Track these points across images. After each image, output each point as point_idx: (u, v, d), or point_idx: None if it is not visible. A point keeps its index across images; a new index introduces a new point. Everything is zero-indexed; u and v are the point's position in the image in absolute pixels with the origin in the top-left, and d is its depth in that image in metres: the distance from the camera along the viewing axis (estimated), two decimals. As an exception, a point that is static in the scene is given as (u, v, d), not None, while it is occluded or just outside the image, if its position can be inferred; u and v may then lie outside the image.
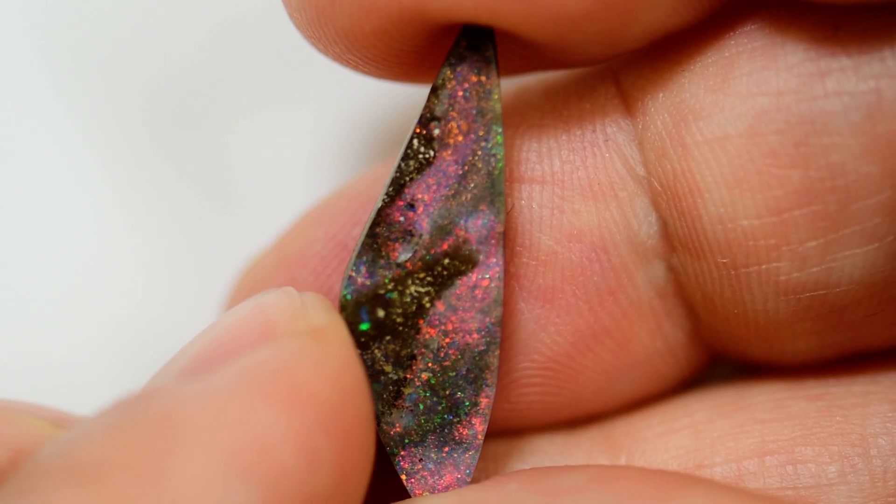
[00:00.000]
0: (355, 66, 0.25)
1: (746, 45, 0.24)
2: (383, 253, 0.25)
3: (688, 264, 0.26)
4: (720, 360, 0.28)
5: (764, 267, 0.25)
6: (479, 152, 0.25)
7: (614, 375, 0.27)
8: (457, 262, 0.25)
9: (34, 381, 0.32)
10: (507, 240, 0.26)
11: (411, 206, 0.25)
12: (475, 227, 0.25)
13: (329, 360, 0.22)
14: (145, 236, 0.34)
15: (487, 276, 0.25)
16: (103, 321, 0.33)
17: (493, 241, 0.25)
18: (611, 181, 0.26)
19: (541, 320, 0.26)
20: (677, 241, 0.26)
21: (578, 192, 0.26)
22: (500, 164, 0.24)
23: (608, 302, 0.26)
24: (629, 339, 0.27)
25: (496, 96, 0.24)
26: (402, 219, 0.25)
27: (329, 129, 0.34)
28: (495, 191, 0.25)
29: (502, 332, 0.26)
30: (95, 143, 0.34)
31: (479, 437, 0.25)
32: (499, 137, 0.24)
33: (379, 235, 0.25)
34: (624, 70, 0.26)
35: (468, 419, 0.25)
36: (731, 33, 0.25)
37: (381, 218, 0.25)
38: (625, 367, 0.27)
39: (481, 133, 0.25)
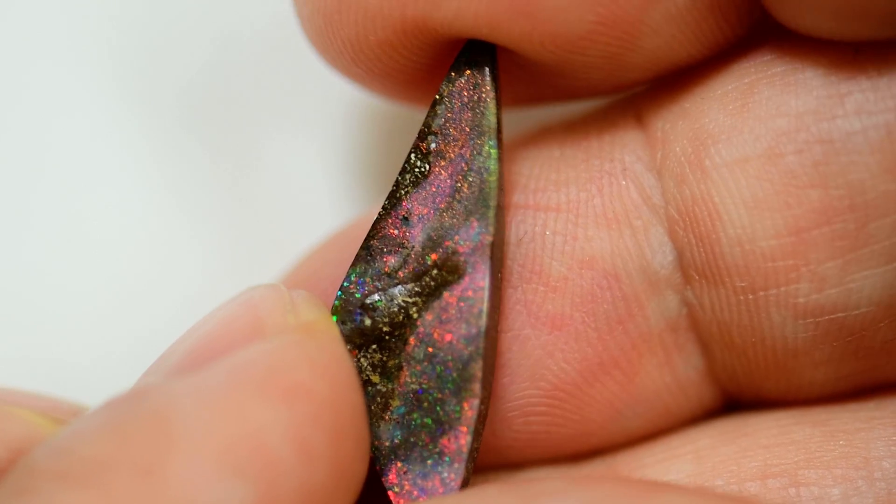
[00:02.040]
0: (362, 82, 0.26)
1: (766, 71, 0.25)
2: (375, 264, 0.25)
3: (704, 294, 0.26)
4: (733, 402, 0.28)
5: (783, 289, 0.25)
6: (473, 166, 0.25)
7: (622, 409, 0.27)
8: (444, 273, 0.25)
9: (68, 374, 0.32)
10: (516, 265, 0.26)
11: (406, 220, 0.25)
12: (464, 239, 0.25)
13: (320, 355, 0.22)
14: (181, 239, 0.34)
15: (473, 287, 0.25)
16: (131, 322, 0.33)
17: (480, 253, 0.25)
18: (626, 210, 0.26)
19: (548, 347, 0.26)
20: (694, 269, 0.26)
21: (592, 220, 0.26)
22: (492, 178, 0.25)
23: (617, 331, 0.26)
24: (637, 371, 0.27)
25: (493, 111, 0.25)
26: (396, 232, 0.25)
27: (360, 150, 0.35)
28: (486, 203, 0.25)
29: (508, 358, 0.26)
30: (133, 157, 0.34)
31: (464, 449, 0.25)
32: (493, 152, 0.25)
33: (373, 248, 0.25)
34: (644, 104, 0.27)
35: (453, 431, 0.25)
36: (751, 61, 0.25)
37: (376, 231, 0.25)
38: (633, 401, 0.27)
39: (475, 147, 0.25)
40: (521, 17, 0.24)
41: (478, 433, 0.25)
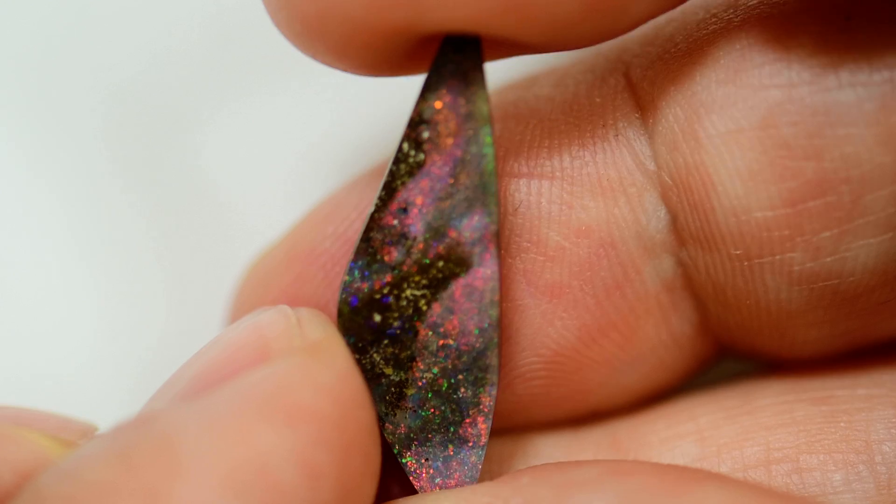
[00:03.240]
0: (344, 70, 0.25)
1: (758, 37, 0.24)
2: (378, 257, 0.25)
3: (698, 257, 0.26)
4: (727, 352, 0.28)
5: (778, 258, 0.25)
6: (469, 154, 0.25)
7: (619, 367, 0.27)
8: (451, 265, 0.25)
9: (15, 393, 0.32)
10: (514, 236, 0.26)
11: (404, 210, 0.25)
12: (468, 228, 0.25)
13: (326, 375, 0.22)
14: (117, 249, 0.33)
15: (482, 276, 0.25)
16: (82, 333, 0.33)
17: (486, 242, 0.25)
18: (620, 177, 0.26)
19: (547, 315, 0.26)
20: (688, 234, 0.26)
21: (587, 188, 0.26)
22: (491, 165, 0.25)
23: (615, 296, 0.26)
24: (635, 332, 0.27)
25: (483, 98, 0.25)
26: (395, 223, 0.25)
27: (308, 127, 0.34)
28: (487, 191, 0.25)
29: (508, 327, 0.26)
30: (61, 151, 0.33)
31: (484, 435, 0.25)
32: (488, 138, 0.25)
33: (373, 240, 0.25)
34: (634, 63, 0.26)
35: (472, 418, 0.25)
36: (742, 27, 0.25)
37: (374, 223, 0.25)
38: (630, 359, 0.27)
39: (470, 135, 0.25)
40: (510, 15, 0.23)
41: (493, 416, 0.25)
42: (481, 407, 0.25)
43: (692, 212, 0.25)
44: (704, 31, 0.25)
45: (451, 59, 0.24)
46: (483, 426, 0.25)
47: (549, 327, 0.26)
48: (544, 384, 0.27)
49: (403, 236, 0.25)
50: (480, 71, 0.25)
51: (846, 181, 0.24)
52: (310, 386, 0.22)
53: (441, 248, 0.25)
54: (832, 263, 0.25)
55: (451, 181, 0.25)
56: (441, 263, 0.25)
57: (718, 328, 0.28)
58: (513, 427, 0.28)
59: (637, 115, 0.26)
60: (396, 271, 0.25)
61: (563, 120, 0.26)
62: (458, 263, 0.25)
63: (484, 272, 0.25)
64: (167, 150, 0.33)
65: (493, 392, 0.25)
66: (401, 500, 0.25)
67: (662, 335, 0.27)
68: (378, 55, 0.24)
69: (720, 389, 0.28)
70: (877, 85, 0.23)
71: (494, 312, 0.25)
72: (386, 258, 0.25)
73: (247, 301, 0.29)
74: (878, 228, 0.24)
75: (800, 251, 0.25)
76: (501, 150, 0.26)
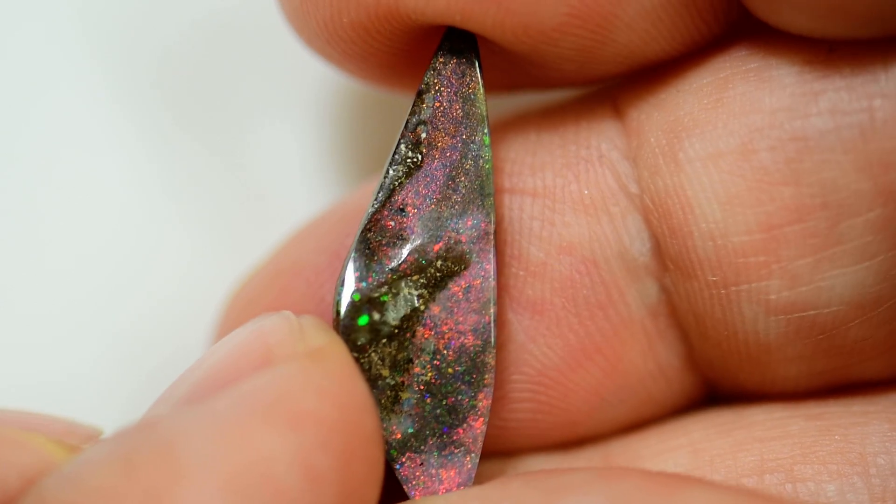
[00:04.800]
0: (339, 64, 0.26)
1: (741, 66, 0.25)
2: (376, 258, 0.25)
3: (679, 284, 0.26)
4: (714, 391, 0.28)
5: (754, 285, 0.25)
6: (467, 154, 0.25)
7: (606, 397, 0.27)
8: (449, 264, 0.25)
9: (46, 387, 0.33)
10: (497, 243, 0.26)
11: (402, 211, 0.25)
12: (466, 228, 0.25)
13: (329, 380, 0.22)
14: (160, 235, 0.34)
15: (480, 276, 0.25)
16: (111, 324, 0.33)
17: (484, 241, 0.25)
18: (603, 196, 0.26)
19: (530, 331, 0.26)
20: (669, 259, 0.26)
21: (570, 206, 0.26)
22: (488, 166, 0.25)
23: (598, 317, 0.26)
24: (620, 358, 0.27)
25: (481, 98, 0.25)
26: (392, 223, 0.25)
27: (345, 138, 0.34)
28: (484, 192, 0.25)
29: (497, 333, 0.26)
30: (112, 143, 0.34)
31: (480, 439, 0.25)
32: (485, 139, 0.25)
33: (371, 241, 0.25)
34: (621, 93, 0.26)
35: (467, 421, 0.25)
36: (727, 55, 0.25)
37: (372, 223, 0.25)
38: (617, 388, 0.27)
39: (467, 135, 0.25)
40: (493, 6, 0.23)
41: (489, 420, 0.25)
42: (477, 410, 0.25)
43: (671, 236, 0.25)
44: (689, 61, 0.25)
45: (448, 60, 0.25)
46: (479, 430, 0.25)
47: (531, 344, 0.26)
48: (530, 408, 0.27)
49: (401, 237, 0.25)
50: (477, 72, 0.25)
51: (823, 207, 0.24)
52: (312, 390, 0.22)
53: (438, 248, 0.25)
54: (808, 293, 0.24)
55: (449, 181, 0.25)
56: (439, 263, 0.25)
57: (702, 364, 0.27)
58: (501, 452, 0.28)
59: (622, 139, 0.26)
60: (394, 272, 0.25)
61: (548, 140, 0.26)
62: (455, 262, 0.25)
63: (481, 271, 0.25)
64: (213, 138, 0.34)
65: (490, 394, 0.25)
66: None
67: (649, 364, 0.27)
68: (367, 43, 0.24)
69: (713, 409, 0.27)
70: (856, 113, 0.23)
71: (492, 312, 0.25)
72: (384, 259, 0.25)
73: (233, 324, 0.29)
74: (855, 257, 0.24)
75: (776, 279, 0.24)
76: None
